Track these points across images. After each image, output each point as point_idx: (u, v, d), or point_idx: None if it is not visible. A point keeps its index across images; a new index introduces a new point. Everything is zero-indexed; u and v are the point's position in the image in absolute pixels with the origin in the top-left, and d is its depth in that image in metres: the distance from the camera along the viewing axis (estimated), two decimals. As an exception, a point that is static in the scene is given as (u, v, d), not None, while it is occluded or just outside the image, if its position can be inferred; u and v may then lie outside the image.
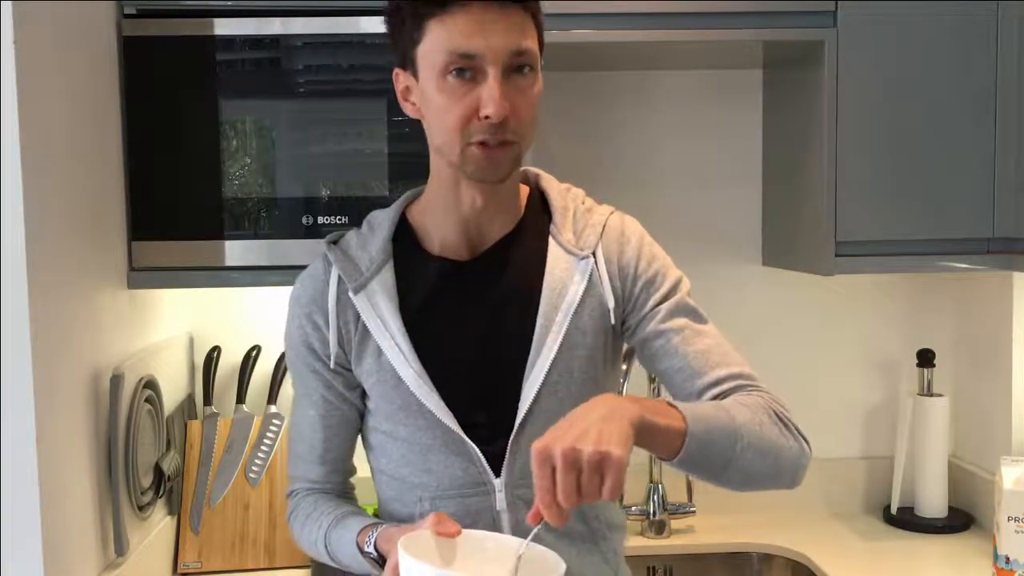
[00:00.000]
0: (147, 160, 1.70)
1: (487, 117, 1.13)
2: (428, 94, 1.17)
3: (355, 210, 1.70)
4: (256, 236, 1.71)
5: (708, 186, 2.17)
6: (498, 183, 1.20)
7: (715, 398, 1.21)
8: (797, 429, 1.21)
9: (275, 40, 1.70)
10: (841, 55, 1.78)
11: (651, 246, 1.30)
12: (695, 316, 1.27)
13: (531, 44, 1.15)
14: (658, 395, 2.06)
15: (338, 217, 1.71)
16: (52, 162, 1.40)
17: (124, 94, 1.69)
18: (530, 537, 1.04)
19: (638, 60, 2.05)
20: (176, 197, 1.71)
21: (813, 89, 1.84)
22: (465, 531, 1.11)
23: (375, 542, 1.19)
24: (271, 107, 1.71)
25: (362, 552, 1.21)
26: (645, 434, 1.04)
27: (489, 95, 1.12)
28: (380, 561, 1.19)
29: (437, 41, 1.14)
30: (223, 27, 1.68)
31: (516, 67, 1.14)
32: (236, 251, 1.71)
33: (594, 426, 0.99)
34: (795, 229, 1.99)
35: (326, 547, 1.28)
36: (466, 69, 1.13)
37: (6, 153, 1.27)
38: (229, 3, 1.70)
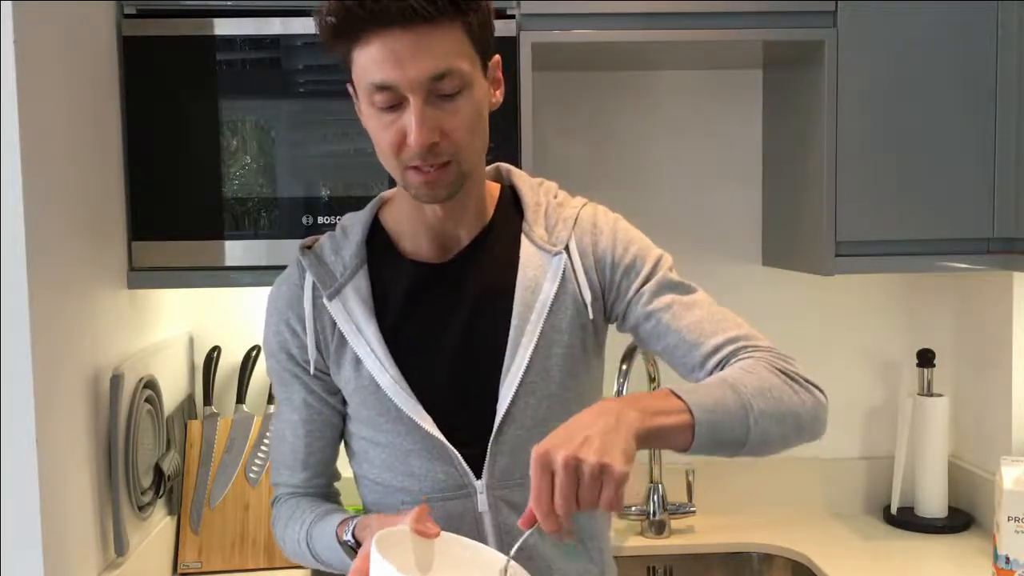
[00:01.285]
0: (147, 160, 1.70)
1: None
2: (364, 117, 1.17)
3: (355, 210, 1.70)
4: (256, 236, 1.71)
5: (708, 186, 2.17)
6: (445, 201, 1.19)
7: (717, 365, 1.19)
8: (807, 380, 1.18)
9: (275, 40, 1.70)
10: (841, 55, 1.78)
11: (626, 231, 1.28)
12: (681, 289, 1.24)
13: (458, 63, 1.10)
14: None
15: (338, 217, 1.69)
16: (52, 162, 1.40)
17: (124, 94, 1.69)
18: (516, 547, 1.03)
19: (638, 60, 2.05)
20: (176, 197, 1.71)
21: (813, 89, 1.84)
22: (444, 534, 1.09)
23: (353, 531, 1.19)
24: (271, 107, 1.71)
25: (340, 542, 1.20)
26: (651, 440, 1.03)
27: (410, 125, 1.10)
28: (357, 550, 1.18)
29: (360, 70, 1.12)
30: (223, 27, 1.68)
31: (440, 92, 1.11)
32: (236, 251, 1.71)
33: (597, 437, 0.97)
34: (795, 229, 1.99)
35: (308, 545, 1.26)
36: (388, 100, 1.11)
37: (6, 153, 1.27)
38: (229, 3, 1.70)
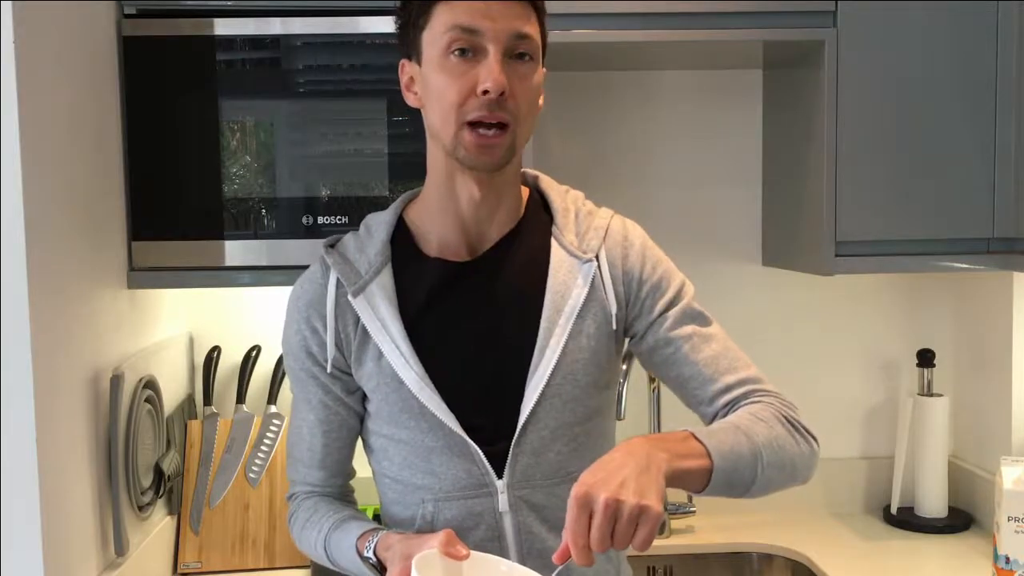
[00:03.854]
0: (147, 160, 1.70)
1: (485, 92, 1.14)
2: (429, 77, 1.18)
3: (355, 210, 1.70)
4: (256, 236, 1.71)
5: (708, 186, 2.17)
6: (492, 172, 1.20)
7: (727, 404, 1.24)
8: (806, 430, 1.24)
9: (275, 40, 1.70)
10: (841, 55, 1.78)
11: (654, 250, 1.31)
12: (701, 320, 1.28)
13: (534, 32, 1.18)
14: (658, 395, 2.06)
15: (338, 217, 1.71)
16: (52, 162, 1.40)
17: (124, 94, 1.69)
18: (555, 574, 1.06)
19: (638, 60, 2.05)
20: (176, 197, 1.71)
21: (813, 89, 1.84)
22: (474, 554, 1.10)
23: (374, 548, 1.19)
24: (271, 107, 1.71)
25: (361, 557, 1.21)
26: (674, 482, 1.08)
27: (488, 70, 1.14)
28: (379, 567, 1.19)
29: (442, 22, 1.16)
30: (223, 27, 1.68)
31: (517, 52, 1.16)
32: (236, 251, 1.71)
33: (632, 478, 1.02)
34: (795, 229, 1.98)
35: (326, 550, 1.27)
36: (468, 49, 1.15)
37: (6, 153, 1.27)
38: (229, 3, 1.70)
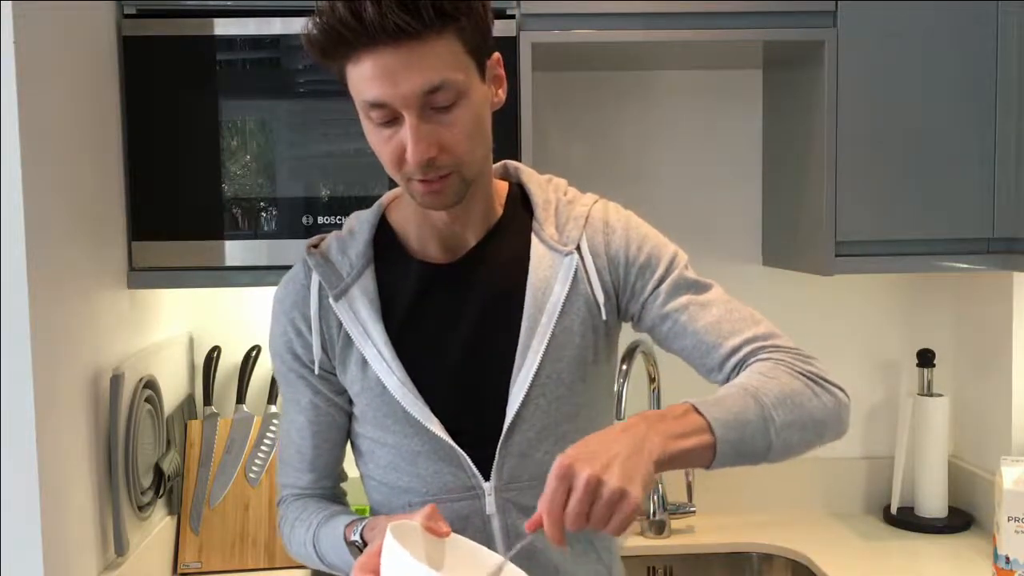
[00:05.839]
0: (147, 160, 1.70)
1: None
2: (363, 126, 1.15)
3: (355, 210, 1.69)
4: (256, 236, 1.71)
5: (708, 186, 2.17)
6: (450, 207, 1.17)
7: (736, 366, 1.19)
8: (828, 380, 1.17)
9: (275, 40, 1.70)
10: (841, 55, 1.78)
11: (639, 228, 1.27)
12: (697, 288, 1.23)
13: (452, 75, 1.07)
14: (658, 395, 2.06)
15: (338, 217, 1.71)
16: (52, 162, 1.40)
17: (124, 94, 1.70)
18: (516, 549, 1.03)
19: (638, 60, 2.05)
20: (176, 197, 1.71)
21: (813, 89, 1.84)
22: (455, 536, 1.09)
23: (361, 531, 1.18)
24: (271, 107, 1.71)
25: (348, 542, 1.19)
26: (672, 464, 1.03)
27: (406, 142, 1.09)
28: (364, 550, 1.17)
29: (353, 86, 1.11)
30: (223, 27, 1.69)
31: (435, 105, 1.08)
32: (236, 251, 1.71)
33: (619, 461, 0.97)
34: (795, 229, 1.99)
35: (315, 546, 1.25)
36: (384, 119, 1.10)
37: (6, 153, 1.27)
38: (229, 3, 1.70)
